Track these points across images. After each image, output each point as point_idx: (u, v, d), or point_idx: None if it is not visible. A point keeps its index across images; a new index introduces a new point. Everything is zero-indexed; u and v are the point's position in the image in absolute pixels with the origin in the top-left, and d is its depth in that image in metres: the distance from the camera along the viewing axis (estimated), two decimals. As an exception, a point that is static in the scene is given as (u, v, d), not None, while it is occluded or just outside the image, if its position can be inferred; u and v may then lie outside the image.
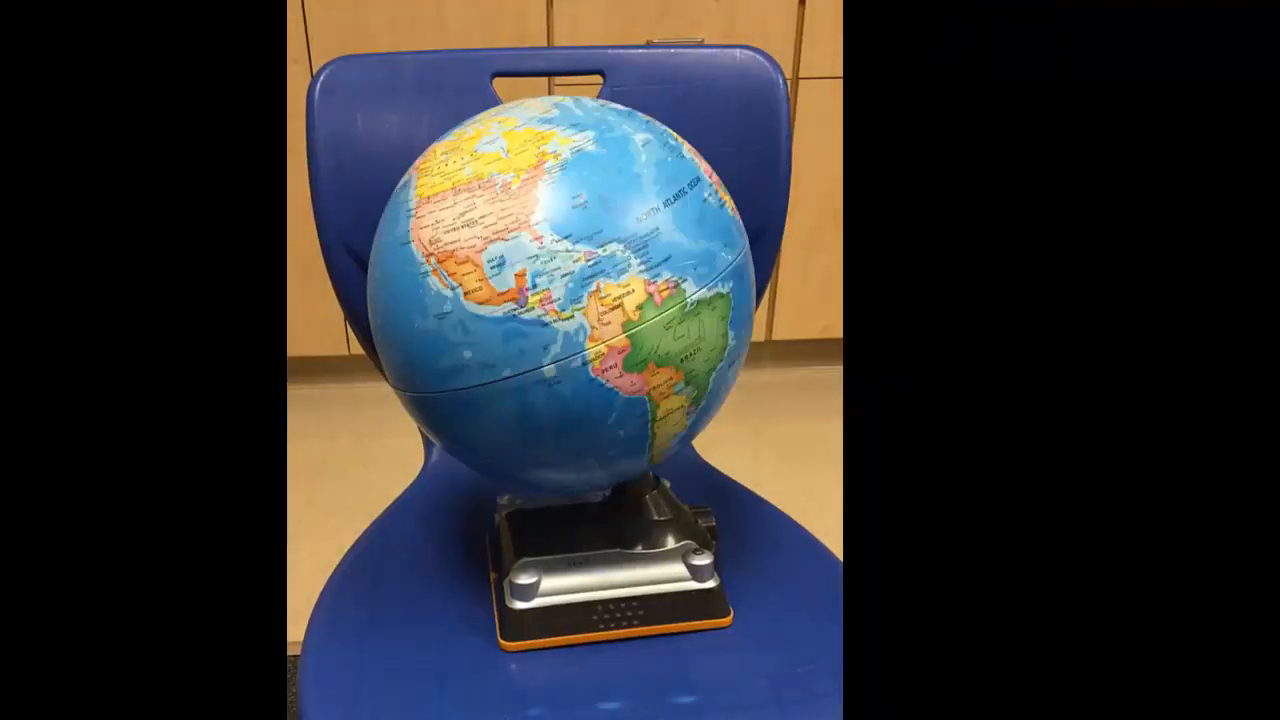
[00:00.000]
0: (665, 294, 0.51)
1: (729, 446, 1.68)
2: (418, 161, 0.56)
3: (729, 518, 0.72)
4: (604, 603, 0.60)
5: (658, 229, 0.51)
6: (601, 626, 0.59)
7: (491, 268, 0.50)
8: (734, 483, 0.78)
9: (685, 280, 0.51)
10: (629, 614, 0.60)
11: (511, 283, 0.49)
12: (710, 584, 0.61)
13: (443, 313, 0.51)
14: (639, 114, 0.57)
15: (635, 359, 0.51)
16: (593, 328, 0.50)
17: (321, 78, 0.71)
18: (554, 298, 0.49)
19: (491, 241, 0.50)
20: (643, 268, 0.50)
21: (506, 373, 0.50)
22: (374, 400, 1.84)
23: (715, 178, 0.56)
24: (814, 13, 1.61)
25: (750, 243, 0.63)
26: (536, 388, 0.51)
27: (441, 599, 0.63)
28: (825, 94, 1.67)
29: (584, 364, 0.50)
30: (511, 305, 0.49)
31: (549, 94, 1.01)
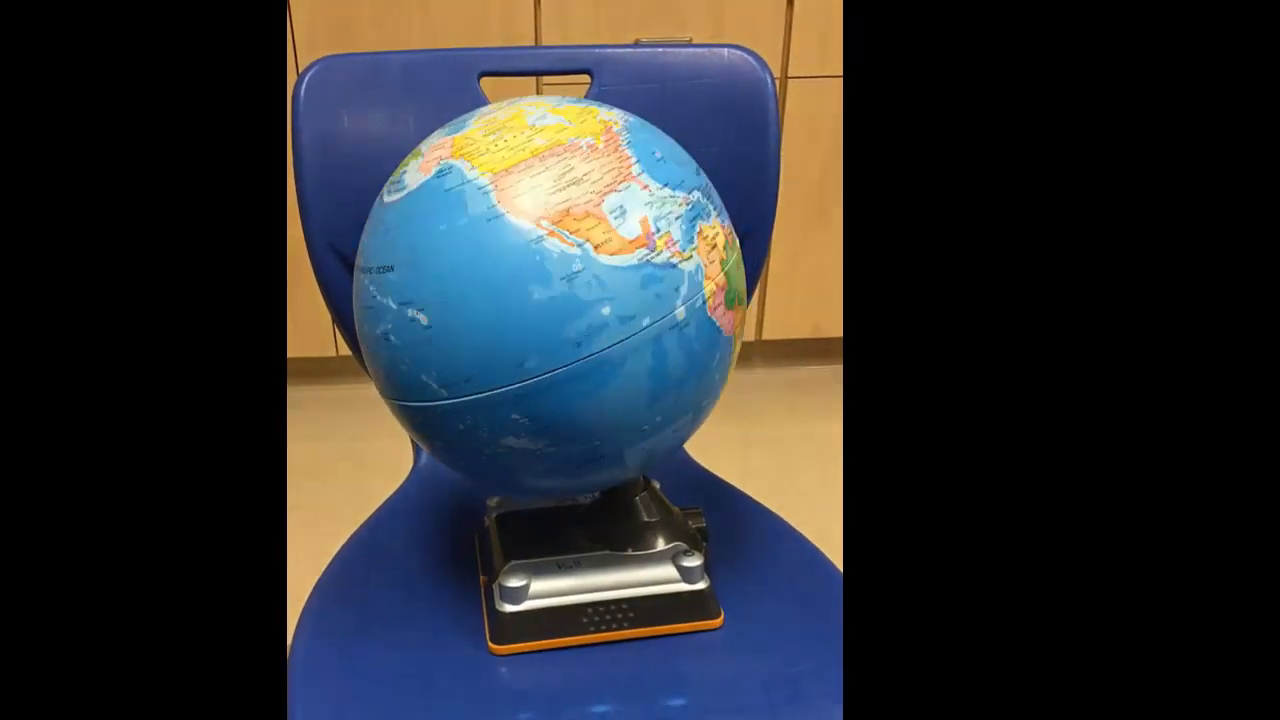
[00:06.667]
0: (731, 236, 0.55)
1: (719, 447, 1.68)
2: (436, 152, 0.53)
3: (719, 519, 0.72)
4: (594, 605, 0.59)
5: (709, 182, 0.55)
6: (591, 629, 0.59)
7: (615, 218, 0.49)
8: (724, 483, 0.78)
9: (732, 226, 0.56)
10: (619, 616, 0.59)
11: (638, 229, 0.50)
12: (700, 585, 0.60)
13: (572, 273, 0.48)
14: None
15: (730, 296, 0.53)
16: (705, 265, 0.52)
17: (306, 78, 0.70)
18: (674, 239, 0.51)
19: (605, 194, 0.50)
20: (716, 213, 0.54)
21: (646, 321, 0.50)
22: (361, 402, 1.83)
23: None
24: (802, 12, 1.61)
25: (739, 241, 0.64)
26: (669, 334, 0.51)
27: (431, 602, 0.63)
28: (813, 93, 1.67)
29: (702, 303, 0.51)
30: (644, 250, 0.50)
31: (537, 93, 1.01)
